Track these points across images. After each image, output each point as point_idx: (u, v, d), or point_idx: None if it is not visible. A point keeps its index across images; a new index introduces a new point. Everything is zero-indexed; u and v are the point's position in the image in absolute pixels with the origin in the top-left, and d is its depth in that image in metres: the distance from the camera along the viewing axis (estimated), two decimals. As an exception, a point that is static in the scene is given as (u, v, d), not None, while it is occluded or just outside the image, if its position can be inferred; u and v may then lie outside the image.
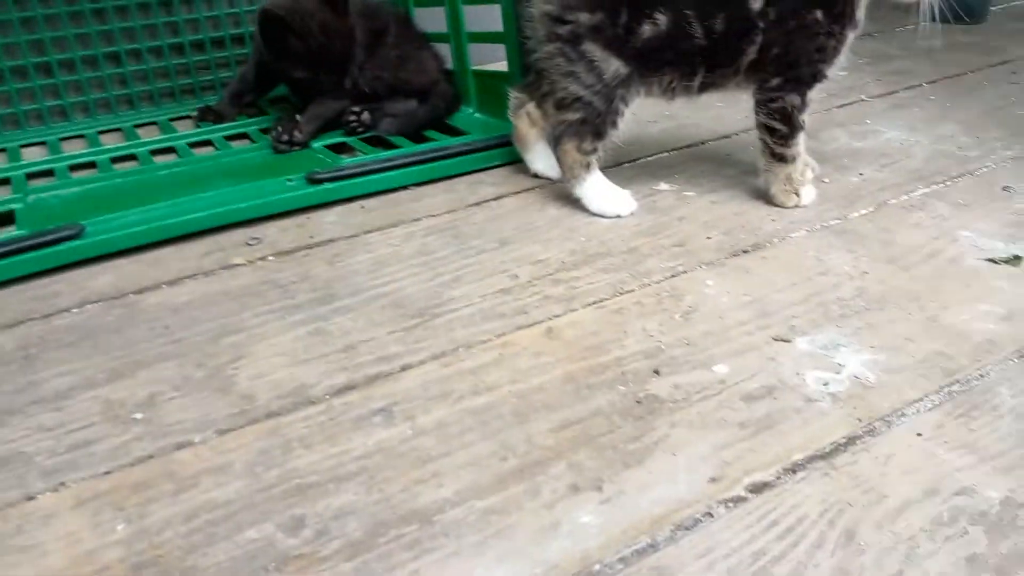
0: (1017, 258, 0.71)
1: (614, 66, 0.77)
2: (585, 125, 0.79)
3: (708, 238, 0.77)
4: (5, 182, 0.93)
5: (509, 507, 0.46)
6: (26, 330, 0.66)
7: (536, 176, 0.92)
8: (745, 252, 0.74)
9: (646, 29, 0.76)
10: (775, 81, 0.78)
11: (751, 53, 0.77)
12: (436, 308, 0.67)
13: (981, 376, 0.56)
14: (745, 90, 0.82)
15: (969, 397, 0.54)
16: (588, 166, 0.81)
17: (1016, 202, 0.82)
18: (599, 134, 0.80)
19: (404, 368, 0.59)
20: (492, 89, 1.05)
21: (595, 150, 0.81)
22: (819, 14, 0.75)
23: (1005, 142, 0.96)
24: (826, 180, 0.88)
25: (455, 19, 1.06)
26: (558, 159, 0.84)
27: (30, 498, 0.49)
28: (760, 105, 0.81)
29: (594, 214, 0.83)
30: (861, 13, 0.78)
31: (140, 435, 0.53)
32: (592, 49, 0.76)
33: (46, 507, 0.48)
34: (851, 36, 0.79)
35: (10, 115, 1.08)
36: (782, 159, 0.81)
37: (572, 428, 0.52)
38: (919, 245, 0.74)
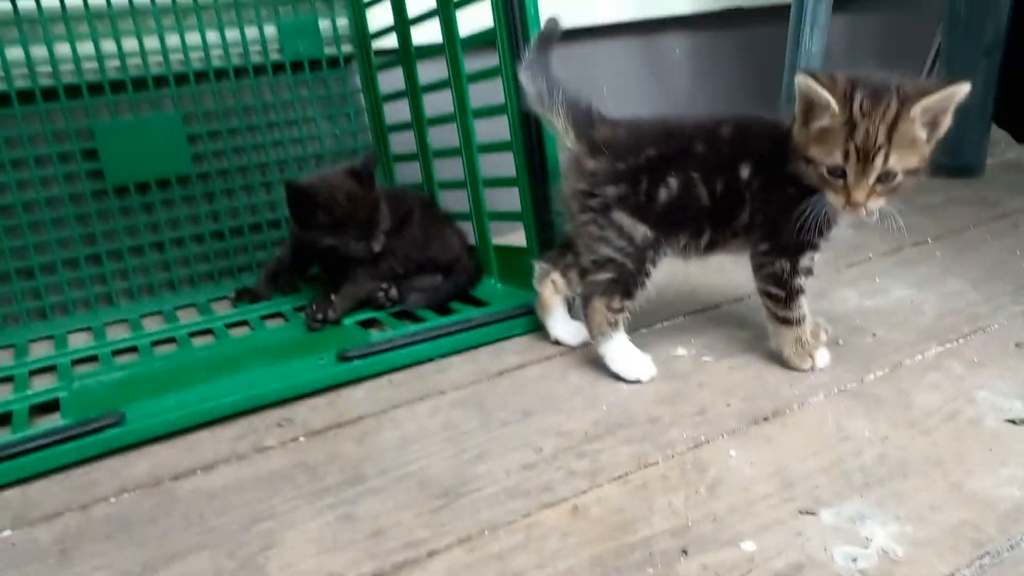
0: (1036, 419, 0.72)
1: (641, 231, 0.83)
2: (616, 284, 0.85)
3: (728, 405, 0.79)
4: (52, 369, 0.97)
5: None
6: (64, 522, 0.68)
7: (557, 343, 0.95)
8: (766, 420, 0.76)
9: (663, 194, 0.83)
10: (763, 246, 0.83)
11: (743, 218, 0.83)
12: (461, 487, 0.68)
13: (1011, 547, 0.56)
14: (746, 252, 0.87)
15: (1002, 570, 0.54)
16: (615, 324, 0.85)
17: (1030, 358, 0.83)
18: (628, 293, 0.85)
19: (431, 554, 0.60)
20: (512, 261, 1.11)
21: (623, 309, 0.85)
22: (792, 189, 0.79)
23: (1013, 296, 0.99)
24: (840, 342, 0.90)
25: (476, 200, 1.13)
26: (586, 317, 0.87)
27: None
28: (755, 269, 0.85)
29: (615, 375, 0.85)
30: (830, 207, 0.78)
31: (172, 632, 0.54)
32: (620, 217, 0.84)
33: None
34: (826, 226, 0.80)
35: (59, 303, 1.14)
36: (786, 322, 0.84)
37: (601, 615, 0.52)
38: (937, 407, 0.75)
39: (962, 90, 0.72)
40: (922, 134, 0.73)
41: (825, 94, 0.72)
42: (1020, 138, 1.60)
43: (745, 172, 0.82)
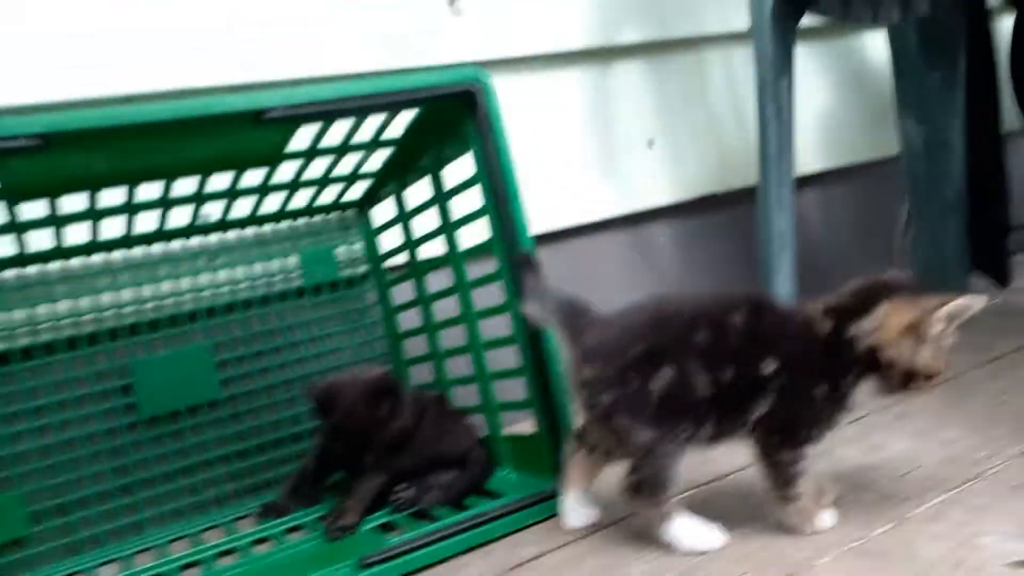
0: (1037, 560, 0.73)
1: (644, 433, 0.84)
2: (648, 487, 0.85)
3: (743, 574, 0.80)
4: (84, 603, 1.00)
5: None
6: None
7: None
8: (778, 586, 0.77)
9: (656, 387, 0.83)
10: (776, 438, 0.85)
11: (760, 411, 0.84)
12: None
13: None
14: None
15: None
16: (665, 516, 0.85)
17: (1031, 499, 0.85)
18: (660, 492, 0.85)
19: None
20: (524, 450, 1.16)
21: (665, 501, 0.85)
22: (825, 387, 0.83)
23: (1009, 439, 1.01)
24: (844, 500, 0.92)
25: (486, 393, 1.20)
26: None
27: None
28: (761, 456, 0.87)
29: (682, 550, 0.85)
30: (853, 399, 0.86)
31: None
32: (624, 423, 0.84)
33: None
34: (842, 416, 0.87)
35: (91, 536, 1.19)
36: (785, 500, 0.86)
37: None
38: (942, 557, 0.77)
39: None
40: None
41: None
42: (1001, 283, 1.67)
43: (770, 368, 0.82)
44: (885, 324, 0.81)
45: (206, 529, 1.21)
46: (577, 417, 0.94)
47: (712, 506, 0.97)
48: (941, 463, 0.98)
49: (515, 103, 1.51)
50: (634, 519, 0.97)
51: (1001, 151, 1.65)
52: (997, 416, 1.10)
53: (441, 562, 0.95)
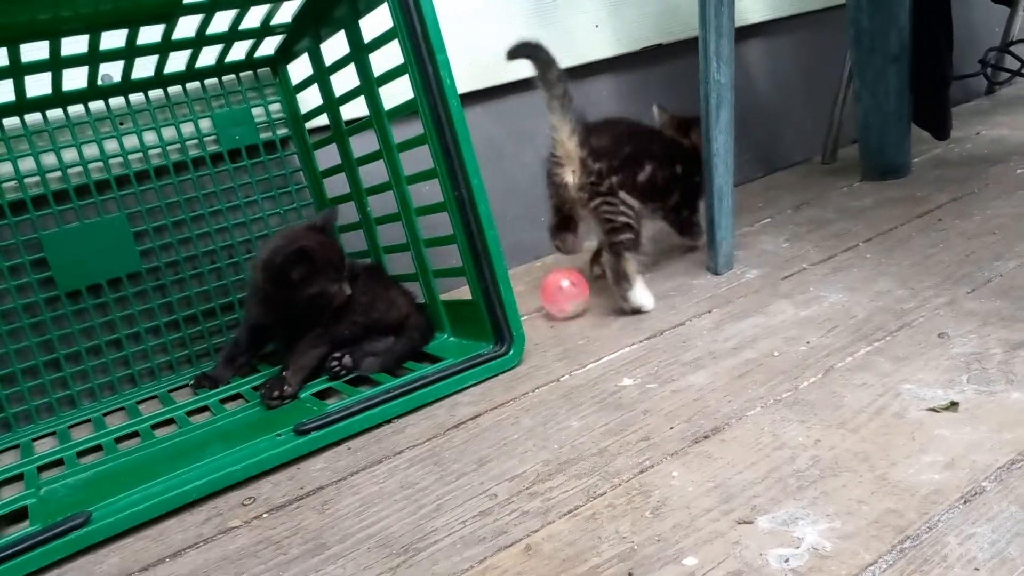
0: (954, 404, 0.75)
1: (634, 202, 1.18)
2: (634, 242, 1.16)
3: (671, 428, 0.82)
4: (19, 478, 0.99)
5: None
6: (36, 627, 0.69)
7: (635, 312, 1.17)
8: (706, 437, 0.79)
9: (641, 176, 1.21)
10: (685, 212, 1.33)
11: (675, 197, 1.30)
12: (420, 542, 0.70)
13: (929, 528, 0.59)
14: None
15: (920, 551, 0.57)
16: (638, 271, 1.16)
17: (952, 347, 0.88)
18: (639, 247, 1.17)
19: (391, 609, 0.62)
20: (461, 314, 1.15)
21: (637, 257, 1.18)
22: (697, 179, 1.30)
23: (937, 290, 1.04)
24: (776, 353, 0.94)
25: (420, 260, 1.17)
26: (616, 270, 1.16)
27: None
28: (673, 224, 1.34)
29: (636, 309, 1.15)
30: None
31: None
32: (623, 195, 1.17)
33: None
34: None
35: (23, 411, 1.16)
36: (693, 241, 1.38)
37: (551, 647, 0.54)
38: (866, 405, 0.79)
39: None
40: None
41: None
42: (940, 136, 1.67)
43: (678, 169, 1.29)
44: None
45: (142, 401, 1.19)
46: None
47: (647, 362, 0.99)
48: (871, 315, 1.00)
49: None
50: (564, 379, 0.98)
51: (946, 3, 1.61)
52: (927, 268, 1.12)
53: (380, 425, 0.95)
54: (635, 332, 1.09)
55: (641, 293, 1.16)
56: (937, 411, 0.75)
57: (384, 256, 1.28)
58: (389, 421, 0.96)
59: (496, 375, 1.03)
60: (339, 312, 1.12)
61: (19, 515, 0.88)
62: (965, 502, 0.62)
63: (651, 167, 1.22)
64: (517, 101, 1.59)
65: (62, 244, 1.17)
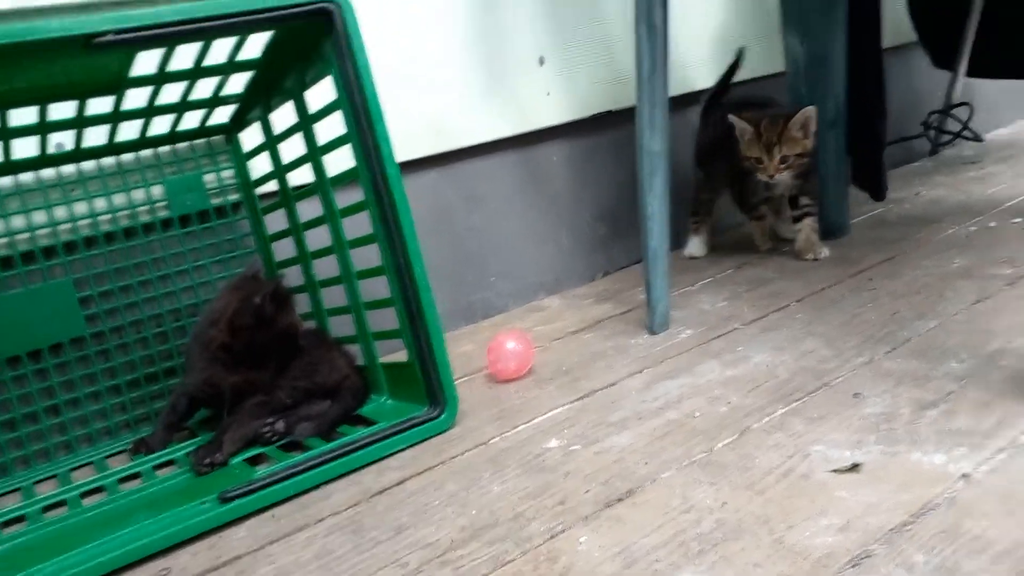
0: (856, 466, 0.77)
1: None
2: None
3: (587, 492, 0.83)
4: (-59, 549, 0.97)
5: None
6: None
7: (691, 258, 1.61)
8: (619, 500, 0.80)
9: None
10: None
11: None
12: (326, 612, 0.70)
13: (813, 594, 0.60)
14: None
15: (802, 618, 0.58)
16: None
17: (864, 407, 0.90)
18: None
19: None
20: (399, 377, 1.16)
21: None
22: None
23: (859, 349, 1.06)
24: (697, 414, 0.96)
25: (360, 322, 1.19)
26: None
27: None
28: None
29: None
30: None
31: None
32: None
33: None
34: None
35: (-44, 479, 1.15)
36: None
37: None
38: (775, 466, 0.81)
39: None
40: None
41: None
42: (876, 196, 1.72)
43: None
44: None
45: (75, 468, 1.18)
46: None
47: (575, 423, 1.00)
48: (793, 375, 1.02)
49: (390, 18, 1.47)
50: (494, 442, 0.99)
51: (881, 68, 1.68)
52: (853, 327, 1.15)
53: (308, 491, 0.95)
54: (570, 392, 1.11)
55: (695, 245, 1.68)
56: (839, 473, 0.77)
57: (327, 319, 1.29)
58: (317, 486, 0.96)
59: (427, 438, 1.04)
60: (282, 374, 1.13)
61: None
62: (854, 566, 0.63)
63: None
64: (472, 166, 1.63)
65: (4, 310, 1.18)
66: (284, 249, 1.34)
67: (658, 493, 0.80)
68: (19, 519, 1.02)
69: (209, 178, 1.36)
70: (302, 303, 1.32)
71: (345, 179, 1.12)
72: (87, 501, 1.03)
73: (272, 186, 1.33)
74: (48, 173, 1.24)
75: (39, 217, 1.22)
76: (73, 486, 1.09)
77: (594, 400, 1.07)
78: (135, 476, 1.10)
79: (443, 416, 1.06)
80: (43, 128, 1.11)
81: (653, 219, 1.27)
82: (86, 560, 0.84)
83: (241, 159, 1.37)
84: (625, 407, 1.02)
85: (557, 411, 1.06)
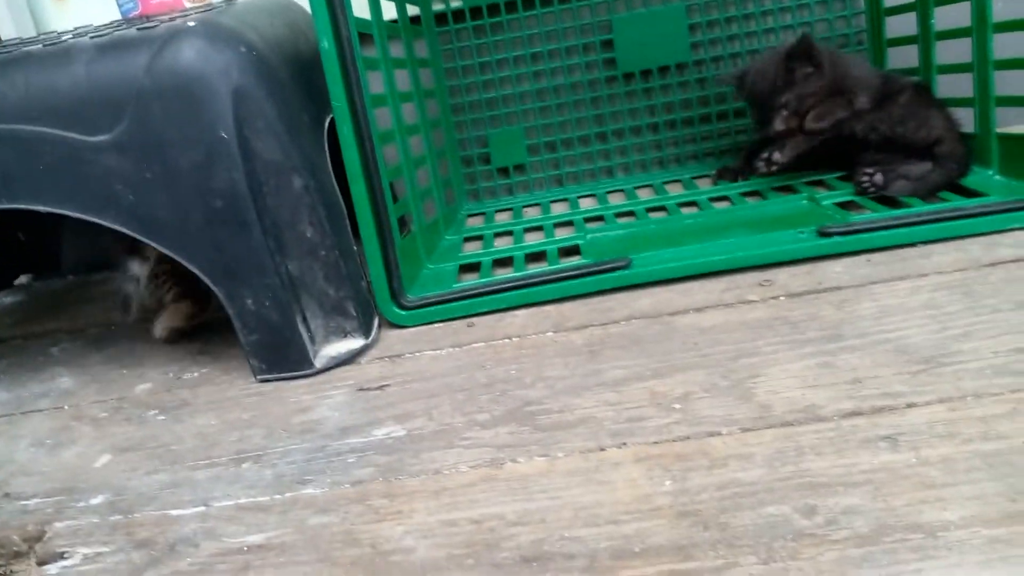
0: None
1: None
2: None
3: None
4: (569, 224, 1.20)
5: (1016, 540, 0.49)
6: (590, 332, 0.87)
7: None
8: None
9: None
10: None
11: None
12: (943, 358, 0.70)
13: None
14: None
15: None
16: None
17: None
18: None
19: (909, 405, 0.64)
20: (1016, 152, 1.02)
21: None
22: None
23: None
24: None
25: (984, 83, 1.06)
26: None
27: (602, 449, 0.66)
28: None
29: None
30: None
31: (679, 420, 0.68)
32: None
33: (614, 457, 0.65)
34: None
35: (572, 173, 1.38)
36: None
37: (1096, 488, 0.52)
38: None
39: None
40: None
41: None
42: None
43: None
44: None
45: (668, 183, 1.32)
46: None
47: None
48: None
49: None
50: None
51: None
52: None
53: (903, 247, 0.93)
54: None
55: None
56: None
57: (935, 77, 1.17)
58: (914, 244, 0.93)
59: (1051, 223, 0.92)
60: (872, 121, 1.09)
61: (571, 250, 1.08)
62: None
63: None
64: None
65: (628, 28, 1.30)
66: (899, -8, 1.22)
67: None
68: (628, 214, 1.19)
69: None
70: (910, 55, 1.21)
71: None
72: (684, 210, 1.16)
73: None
74: None
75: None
76: (668, 196, 1.23)
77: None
78: (723, 199, 1.19)
79: (1076, 203, 0.92)
80: None
81: None
82: (696, 256, 0.95)
83: None
84: None
85: None
